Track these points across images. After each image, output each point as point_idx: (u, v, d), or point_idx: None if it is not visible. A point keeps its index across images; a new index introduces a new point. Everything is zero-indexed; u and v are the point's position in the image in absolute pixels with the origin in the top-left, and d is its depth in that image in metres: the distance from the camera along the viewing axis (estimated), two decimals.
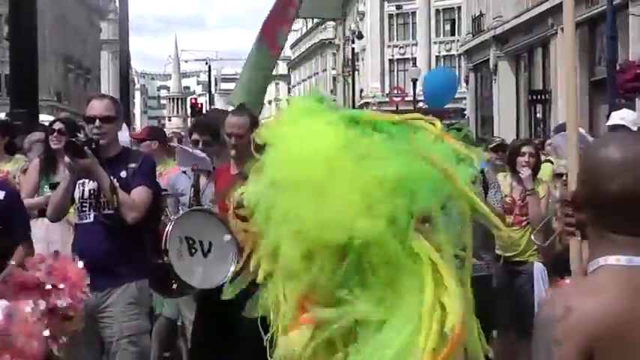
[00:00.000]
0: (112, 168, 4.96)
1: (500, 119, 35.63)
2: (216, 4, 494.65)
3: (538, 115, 32.90)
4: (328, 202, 2.95)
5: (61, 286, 4.32)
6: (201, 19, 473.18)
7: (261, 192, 3.18)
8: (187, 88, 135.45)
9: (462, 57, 45.50)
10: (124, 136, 6.58)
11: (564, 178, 7.14)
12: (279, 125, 3.31)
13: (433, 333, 2.91)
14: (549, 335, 1.86)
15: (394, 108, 45.97)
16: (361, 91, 59.24)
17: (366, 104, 57.81)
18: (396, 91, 53.41)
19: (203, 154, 6.12)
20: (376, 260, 3.02)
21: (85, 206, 5.03)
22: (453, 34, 57.80)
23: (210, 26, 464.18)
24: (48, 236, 6.29)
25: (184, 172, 6.38)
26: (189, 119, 72.18)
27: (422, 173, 3.05)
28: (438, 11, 60.21)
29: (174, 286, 5.15)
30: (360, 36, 49.74)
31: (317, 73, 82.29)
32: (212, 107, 56.11)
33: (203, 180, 6.06)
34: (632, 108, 14.00)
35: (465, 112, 43.61)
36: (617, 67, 20.23)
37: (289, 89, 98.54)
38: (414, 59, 56.85)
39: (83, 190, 5.03)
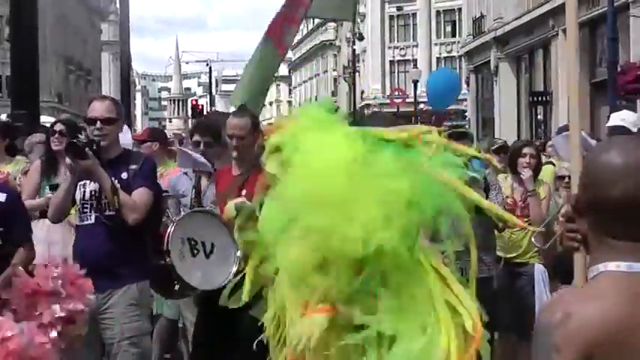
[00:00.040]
0: (113, 169, 4.96)
1: (501, 121, 35.62)
2: (217, 5, 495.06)
3: (539, 116, 32.89)
4: (350, 216, 3.04)
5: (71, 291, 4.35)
6: (202, 21, 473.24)
7: (280, 206, 3.26)
8: (188, 89, 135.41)
9: (463, 58, 45.48)
10: (126, 139, 6.59)
11: (566, 180, 7.14)
12: (292, 134, 3.34)
13: (453, 332, 3.09)
14: (549, 341, 1.86)
15: (395, 109, 46.03)
16: (362, 92, 59.23)
17: (367, 106, 57.85)
18: (396, 93, 53.44)
19: (203, 159, 6.11)
20: (388, 270, 3.15)
21: (86, 207, 5.03)
22: (453, 35, 57.79)
23: (211, 27, 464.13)
24: (49, 237, 6.28)
25: (185, 173, 6.38)
26: (190, 120, 72.24)
27: (429, 188, 3.18)
28: (438, 13, 60.22)
29: (176, 287, 5.15)
30: (361, 37, 49.75)
31: (318, 75, 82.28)
32: (213, 109, 56.12)
33: (204, 181, 6.06)
34: (633, 109, 13.98)
35: (466, 114, 43.62)
36: (618, 69, 20.23)
37: (290, 90, 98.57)
38: (415, 61, 56.86)
39: (84, 192, 5.03)
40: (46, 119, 14.60)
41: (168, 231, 5.10)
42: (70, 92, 66.11)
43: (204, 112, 45.51)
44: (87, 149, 4.81)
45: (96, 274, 4.87)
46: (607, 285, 1.89)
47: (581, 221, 2.01)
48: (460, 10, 52.05)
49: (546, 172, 7.94)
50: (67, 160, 4.88)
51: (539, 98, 31.16)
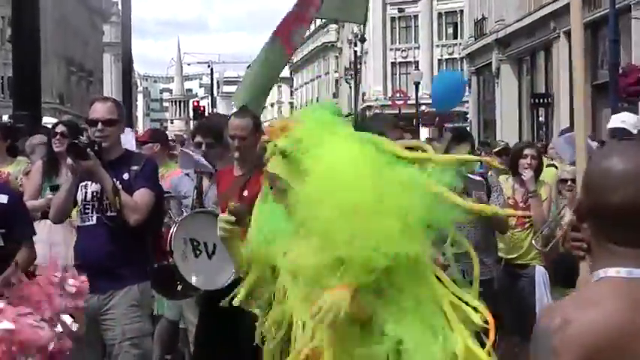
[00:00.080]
0: (115, 170, 4.96)
1: (503, 123, 35.62)
2: (218, 7, 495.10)
3: (540, 118, 32.88)
4: (376, 228, 3.10)
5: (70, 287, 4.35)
6: (204, 22, 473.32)
7: (291, 210, 3.31)
8: (190, 90, 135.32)
9: (465, 60, 45.48)
10: (130, 143, 6.59)
11: (569, 183, 7.15)
12: (300, 137, 3.36)
13: (465, 332, 3.24)
14: (548, 346, 1.85)
15: (396, 111, 46.02)
16: (363, 94, 59.25)
17: (369, 107, 57.84)
18: (398, 95, 53.43)
19: (204, 161, 6.12)
20: (402, 278, 3.24)
21: (88, 208, 5.04)
22: (455, 37, 57.81)
23: (213, 29, 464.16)
24: (50, 238, 6.28)
25: (187, 174, 6.39)
26: (191, 122, 72.20)
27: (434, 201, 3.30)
28: (440, 14, 60.22)
29: (179, 287, 5.15)
30: (363, 39, 49.72)
31: (319, 76, 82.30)
32: (214, 111, 56.20)
33: (206, 182, 6.06)
34: (635, 112, 13.98)
35: (468, 116, 43.62)
36: (620, 71, 20.22)
37: (291, 92, 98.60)
38: (417, 62, 56.83)
39: (86, 192, 5.03)
40: (47, 120, 14.61)
41: (171, 231, 5.11)
42: (72, 93, 66.17)
43: (206, 114, 45.53)
44: (88, 150, 4.82)
45: (97, 274, 4.88)
46: (607, 291, 1.88)
47: (585, 229, 2.01)
48: (462, 12, 52.10)
49: (548, 175, 7.94)
50: (69, 160, 4.88)
51: (541, 100, 31.15)
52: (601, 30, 24.72)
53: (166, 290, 5.47)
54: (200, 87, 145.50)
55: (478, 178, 6.60)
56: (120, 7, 29.65)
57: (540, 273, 6.87)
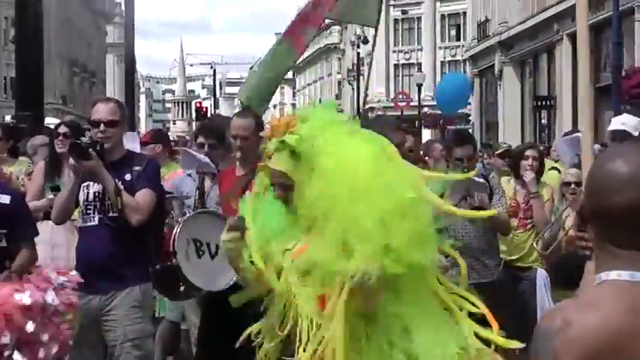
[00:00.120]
0: (117, 171, 4.96)
1: (505, 125, 35.63)
2: (221, 8, 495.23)
3: (543, 121, 32.89)
4: (399, 234, 3.16)
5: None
6: (207, 23, 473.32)
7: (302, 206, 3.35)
8: (192, 91, 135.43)
9: (467, 62, 45.49)
10: (134, 147, 6.59)
11: (572, 186, 7.14)
12: (309, 135, 3.39)
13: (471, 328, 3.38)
14: (548, 347, 1.85)
15: (399, 113, 46.01)
16: (366, 95, 59.24)
17: (371, 109, 57.82)
18: (400, 96, 53.43)
19: (206, 159, 6.12)
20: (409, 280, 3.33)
21: (90, 209, 5.03)
22: (458, 39, 57.77)
23: (216, 30, 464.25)
24: (52, 239, 6.29)
25: (189, 174, 6.39)
26: (193, 123, 72.26)
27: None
28: (443, 16, 60.18)
29: (182, 288, 5.15)
30: (366, 41, 49.64)
31: (322, 78, 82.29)
32: (216, 113, 56.21)
33: (208, 182, 6.06)
34: (637, 114, 13.96)
35: (470, 118, 43.61)
36: (623, 73, 20.20)
37: (294, 93, 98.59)
38: (419, 64, 56.83)
39: (88, 193, 5.03)
40: (50, 121, 14.65)
41: (174, 232, 5.11)
42: (75, 94, 66.26)
43: (208, 115, 45.55)
44: (90, 150, 4.82)
45: (99, 275, 4.89)
46: (608, 294, 1.88)
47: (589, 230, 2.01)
48: (465, 14, 52.11)
49: (551, 179, 7.92)
50: (71, 161, 4.88)
51: (544, 102, 31.15)
52: (604, 32, 24.71)
53: (169, 291, 5.47)
54: (203, 88, 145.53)
55: (481, 180, 6.60)
56: (123, 8, 29.67)
57: (542, 276, 6.86)
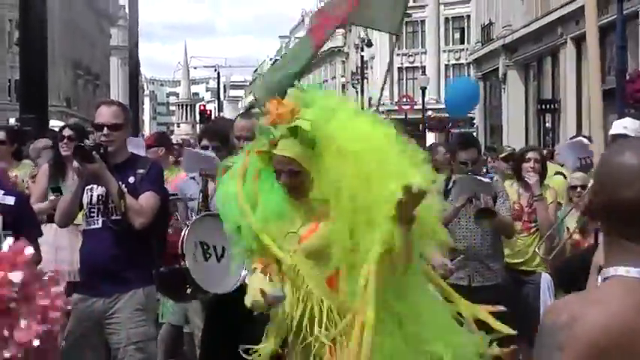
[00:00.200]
0: (120, 174, 4.96)
1: (509, 128, 35.61)
2: (225, 11, 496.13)
3: (547, 124, 32.86)
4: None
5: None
6: (211, 26, 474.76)
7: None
8: (196, 94, 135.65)
9: (471, 66, 45.48)
10: (139, 153, 6.59)
11: (578, 190, 7.13)
12: (326, 120, 3.40)
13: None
14: (553, 343, 1.84)
15: (403, 116, 46.00)
16: (370, 99, 59.25)
17: (375, 112, 57.78)
18: (405, 100, 53.43)
19: (209, 153, 6.11)
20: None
21: (93, 212, 5.03)
22: (462, 42, 57.76)
23: (220, 33, 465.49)
24: (56, 242, 6.30)
25: (193, 177, 6.39)
26: (197, 126, 72.30)
27: None
28: (447, 20, 60.19)
29: (188, 290, 5.15)
30: (370, 44, 49.76)
31: (326, 81, 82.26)
32: (220, 115, 56.28)
33: (211, 185, 6.05)
34: None
35: (474, 121, 43.61)
36: (627, 77, 20.20)
37: None
38: (424, 67, 56.83)
39: (91, 196, 5.03)
40: (54, 123, 14.67)
41: (182, 235, 5.12)
42: (79, 97, 66.31)
43: (212, 118, 45.60)
44: (94, 153, 4.81)
45: (102, 278, 4.88)
46: (616, 290, 1.86)
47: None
48: (469, 17, 52.07)
49: (556, 184, 7.91)
50: (75, 163, 4.88)
51: (548, 106, 31.13)
52: (608, 36, 24.67)
53: (173, 293, 5.48)
54: (207, 91, 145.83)
55: (486, 179, 6.60)
56: (127, 10, 29.72)
57: (546, 280, 6.85)
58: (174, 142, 11.62)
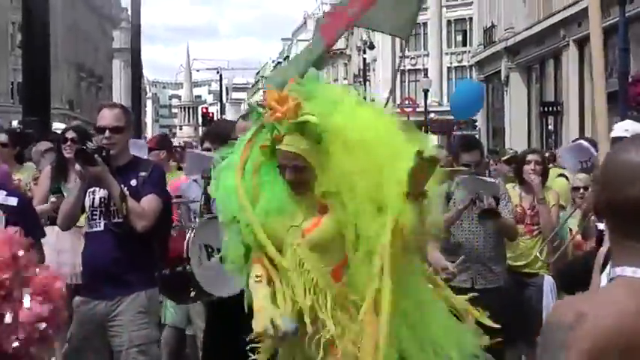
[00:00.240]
0: (122, 176, 4.95)
1: (512, 131, 35.61)
2: (228, 13, 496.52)
3: (549, 126, 32.86)
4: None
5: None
6: (213, 28, 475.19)
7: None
8: (199, 97, 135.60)
9: (474, 68, 45.51)
10: (142, 156, 6.59)
11: (581, 191, 7.12)
12: (329, 114, 3.42)
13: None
14: (559, 340, 1.83)
15: (405, 119, 45.99)
16: (372, 101, 59.18)
17: None
18: (407, 102, 53.42)
19: (211, 153, 6.11)
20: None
21: (96, 214, 5.03)
22: (464, 45, 57.77)
23: (222, 35, 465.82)
24: (58, 244, 6.30)
25: (195, 180, 6.39)
26: (200, 128, 72.36)
27: None
28: (449, 22, 60.17)
29: (192, 293, 5.15)
30: (372, 46, 49.76)
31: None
32: (223, 117, 56.28)
33: None
34: None
35: (476, 124, 43.62)
36: (629, 80, 20.18)
37: None
38: (426, 70, 56.81)
39: (94, 199, 5.03)
40: (57, 126, 14.69)
41: (187, 237, 5.12)
42: (81, 99, 66.41)
43: (214, 120, 45.65)
44: (96, 156, 4.82)
45: (104, 281, 4.88)
46: (622, 290, 1.85)
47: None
48: (471, 19, 52.09)
49: (558, 185, 7.90)
50: (77, 166, 4.88)
51: (550, 108, 31.13)
52: (611, 38, 24.65)
53: (177, 296, 5.47)
54: (209, 93, 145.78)
55: (490, 179, 6.59)
56: (129, 12, 29.74)
57: (548, 282, 6.84)
58: (176, 144, 11.64)
